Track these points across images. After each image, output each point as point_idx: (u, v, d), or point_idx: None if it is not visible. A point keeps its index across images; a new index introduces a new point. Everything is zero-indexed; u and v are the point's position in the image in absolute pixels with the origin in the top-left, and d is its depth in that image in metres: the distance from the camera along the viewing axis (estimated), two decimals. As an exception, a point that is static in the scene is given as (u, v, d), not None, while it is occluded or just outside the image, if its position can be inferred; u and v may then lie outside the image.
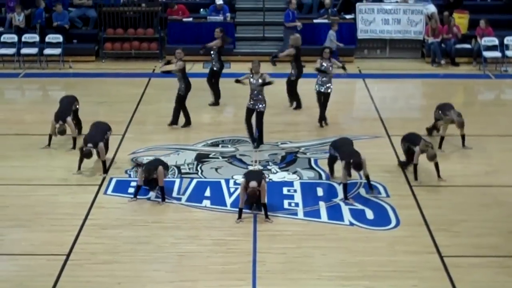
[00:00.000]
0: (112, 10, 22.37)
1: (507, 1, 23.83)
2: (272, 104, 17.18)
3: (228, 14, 22.40)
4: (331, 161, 13.43)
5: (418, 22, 22.12)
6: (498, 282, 10.16)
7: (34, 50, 21.40)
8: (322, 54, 15.96)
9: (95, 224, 11.76)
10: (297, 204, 12.49)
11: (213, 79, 17.71)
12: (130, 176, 13.57)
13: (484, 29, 21.67)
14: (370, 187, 12.86)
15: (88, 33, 22.66)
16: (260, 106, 14.83)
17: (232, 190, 12.96)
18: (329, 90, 15.93)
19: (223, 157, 14.55)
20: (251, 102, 14.87)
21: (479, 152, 14.78)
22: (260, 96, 14.81)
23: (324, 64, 15.81)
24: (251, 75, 14.79)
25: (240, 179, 12.26)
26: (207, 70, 19.35)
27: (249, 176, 11.94)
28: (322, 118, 16.12)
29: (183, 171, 13.81)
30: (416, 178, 13.24)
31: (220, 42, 17.53)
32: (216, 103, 17.69)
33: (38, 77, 20.47)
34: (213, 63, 17.62)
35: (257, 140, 14.97)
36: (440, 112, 14.97)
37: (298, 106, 17.31)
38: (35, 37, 21.58)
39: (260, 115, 14.89)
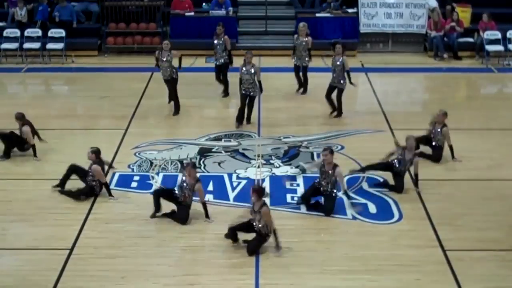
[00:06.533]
0: (115, 5, 22.35)
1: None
2: (274, 98, 17.24)
3: (231, 8, 22.34)
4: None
5: (420, 16, 22.09)
6: (501, 276, 10.17)
7: (36, 45, 21.40)
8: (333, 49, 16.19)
9: (98, 218, 11.79)
10: (300, 198, 12.50)
11: (221, 73, 17.72)
12: (133, 170, 13.58)
13: (487, 23, 21.63)
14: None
15: (90, 28, 22.64)
16: (252, 92, 15.47)
17: (235, 184, 12.98)
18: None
19: (226, 151, 14.56)
20: (244, 88, 15.46)
21: (482, 146, 14.77)
22: (252, 83, 15.33)
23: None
24: (244, 65, 15.43)
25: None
26: (209, 65, 19.41)
27: None
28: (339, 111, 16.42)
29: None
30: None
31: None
32: (226, 94, 17.79)
33: (40, 72, 20.45)
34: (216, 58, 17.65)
35: (247, 119, 15.72)
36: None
37: (305, 91, 17.96)
38: (37, 32, 21.55)
39: (252, 99, 15.60)
